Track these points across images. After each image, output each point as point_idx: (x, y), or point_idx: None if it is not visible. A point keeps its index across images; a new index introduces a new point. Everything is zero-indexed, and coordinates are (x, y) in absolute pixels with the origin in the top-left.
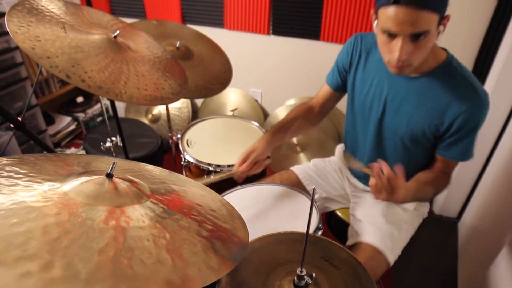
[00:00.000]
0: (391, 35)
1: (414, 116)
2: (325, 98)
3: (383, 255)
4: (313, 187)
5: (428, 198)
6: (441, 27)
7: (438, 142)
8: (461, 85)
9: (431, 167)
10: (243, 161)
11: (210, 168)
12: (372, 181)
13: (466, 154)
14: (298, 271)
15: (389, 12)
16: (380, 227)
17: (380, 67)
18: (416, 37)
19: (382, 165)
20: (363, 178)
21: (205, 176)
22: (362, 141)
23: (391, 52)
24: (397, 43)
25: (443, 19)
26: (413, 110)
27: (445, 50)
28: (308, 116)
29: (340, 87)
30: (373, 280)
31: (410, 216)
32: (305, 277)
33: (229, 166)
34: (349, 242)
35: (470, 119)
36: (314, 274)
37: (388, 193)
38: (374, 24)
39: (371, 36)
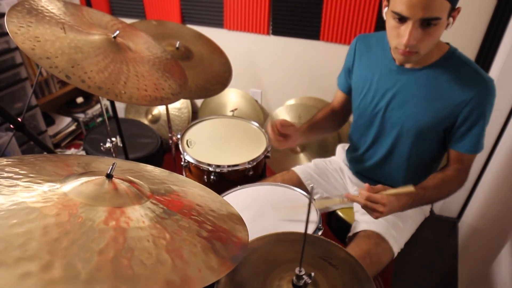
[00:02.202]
0: (402, 20)
1: (419, 109)
2: (340, 103)
3: (388, 243)
4: (311, 186)
5: (437, 200)
6: (451, 19)
7: (449, 135)
8: (466, 73)
9: (445, 167)
10: (282, 124)
11: (210, 169)
12: (360, 206)
13: (477, 146)
14: (296, 271)
15: None
16: (386, 217)
17: (382, 63)
18: (426, 24)
19: (360, 192)
20: (365, 178)
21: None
22: (367, 140)
23: (400, 37)
24: (407, 27)
25: (453, 10)
26: (418, 103)
27: (447, 44)
28: (333, 118)
29: (350, 90)
30: (371, 279)
31: (414, 213)
32: (303, 276)
33: (229, 166)
34: (352, 232)
35: (478, 105)
36: (313, 274)
37: (374, 209)
38: (385, 10)
39: (373, 36)
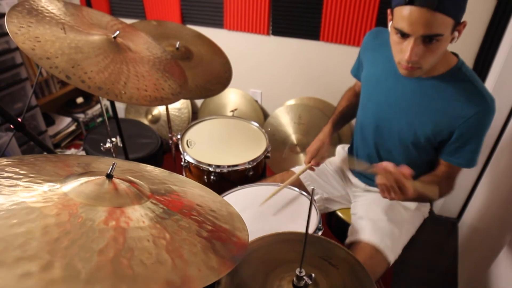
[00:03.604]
0: (404, 35)
1: (418, 118)
2: (359, 87)
3: (382, 254)
4: (312, 187)
5: (433, 199)
6: (456, 33)
7: (443, 147)
8: (469, 90)
9: (434, 171)
10: (312, 156)
11: (210, 169)
12: (379, 180)
13: (471, 161)
14: (297, 272)
15: (404, 12)
16: (381, 225)
17: (389, 65)
18: (428, 40)
19: (388, 165)
20: (364, 177)
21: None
22: (365, 139)
23: (402, 52)
24: (409, 43)
25: (458, 25)
26: (418, 112)
27: (456, 55)
28: (358, 99)
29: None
30: (372, 278)
31: (412, 215)
32: (304, 277)
33: (229, 166)
34: (348, 240)
35: (476, 125)
36: (313, 275)
37: (396, 193)
38: (389, 24)
39: (386, 32)
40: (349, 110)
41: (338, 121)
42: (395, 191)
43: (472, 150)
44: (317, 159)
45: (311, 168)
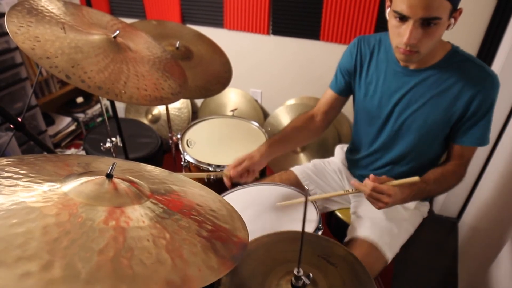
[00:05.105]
0: (402, 19)
1: (427, 109)
2: (328, 104)
3: (380, 252)
4: (307, 188)
5: (437, 195)
6: (452, 20)
7: (453, 131)
8: (471, 68)
9: (444, 163)
10: (235, 166)
11: (210, 169)
12: (365, 195)
13: (483, 139)
14: (295, 271)
15: None
16: (379, 223)
17: (386, 66)
18: (426, 23)
19: (365, 181)
20: (363, 179)
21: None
22: (372, 142)
23: (400, 36)
24: (407, 27)
25: (455, 11)
26: (425, 103)
27: (448, 42)
28: (309, 125)
29: (343, 91)
30: (370, 276)
31: (411, 215)
32: (302, 277)
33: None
34: (347, 238)
35: (485, 100)
36: (311, 275)
37: (379, 199)
38: (387, 10)
39: (373, 37)
40: (293, 135)
41: (278, 143)
42: (376, 197)
43: (483, 126)
44: (238, 171)
45: (227, 181)
